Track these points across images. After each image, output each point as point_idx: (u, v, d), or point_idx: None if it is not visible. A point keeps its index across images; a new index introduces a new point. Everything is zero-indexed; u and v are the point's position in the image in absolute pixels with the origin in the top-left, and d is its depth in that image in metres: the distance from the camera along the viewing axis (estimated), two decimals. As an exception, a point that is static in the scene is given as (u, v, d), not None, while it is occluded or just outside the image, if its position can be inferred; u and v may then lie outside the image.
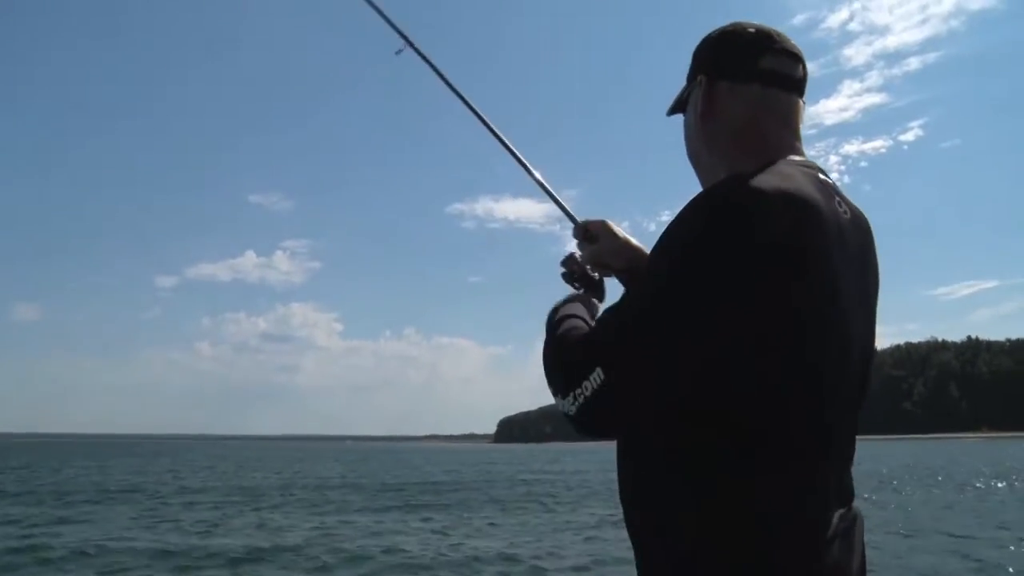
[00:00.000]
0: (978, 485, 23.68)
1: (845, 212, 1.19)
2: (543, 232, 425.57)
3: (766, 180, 1.09)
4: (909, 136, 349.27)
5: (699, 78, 1.30)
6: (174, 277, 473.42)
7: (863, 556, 1.21)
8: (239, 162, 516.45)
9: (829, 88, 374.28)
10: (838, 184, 1.24)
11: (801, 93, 1.29)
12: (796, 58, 1.27)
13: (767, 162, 1.17)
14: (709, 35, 1.33)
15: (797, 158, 1.23)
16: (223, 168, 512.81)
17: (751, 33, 1.27)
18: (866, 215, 1.28)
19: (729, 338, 1.06)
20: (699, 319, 1.06)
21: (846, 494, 1.19)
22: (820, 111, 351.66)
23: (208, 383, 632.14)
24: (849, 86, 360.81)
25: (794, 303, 1.06)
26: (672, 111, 1.39)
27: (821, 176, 1.20)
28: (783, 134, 1.26)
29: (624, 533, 1.24)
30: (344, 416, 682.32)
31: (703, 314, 1.05)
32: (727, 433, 1.08)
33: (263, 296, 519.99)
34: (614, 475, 1.23)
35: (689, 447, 1.11)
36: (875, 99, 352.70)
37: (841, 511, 1.15)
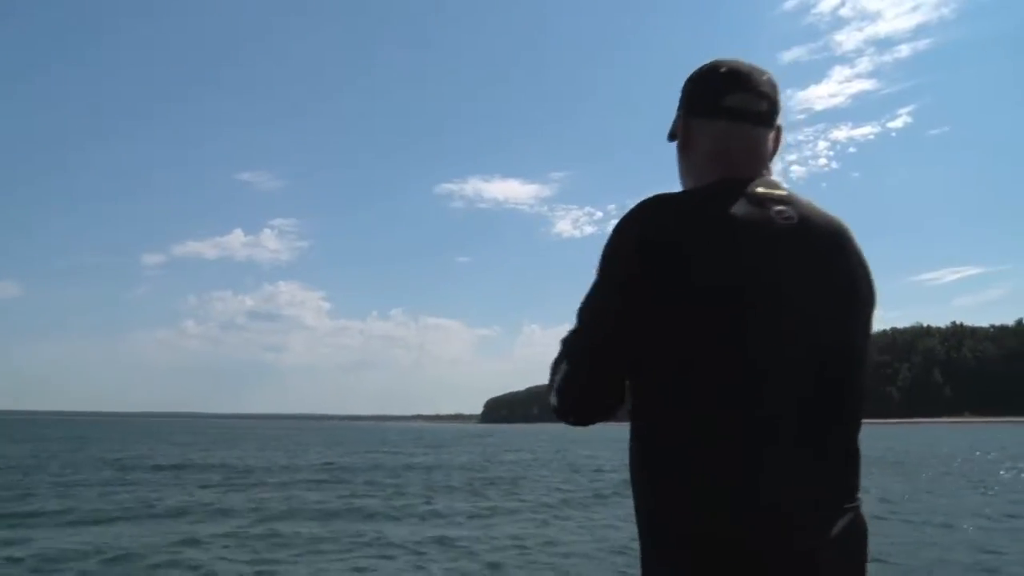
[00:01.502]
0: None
1: (790, 219, 1.33)
2: (532, 213, 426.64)
3: (668, 196, 1.36)
4: (898, 123, 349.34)
5: (679, 113, 1.50)
6: (160, 255, 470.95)
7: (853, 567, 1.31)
8: (228, 139, 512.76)
9: (819, 73, 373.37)
10: (792, 193, 1.39)
11: (769, 124, 1.44)
12: (760, 94, 1.43)
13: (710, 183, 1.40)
14: (691, 74, 1.50)
15: (756, 179, 1.39)
16: (212, 145, 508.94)
17: (721, 73, 1.44)
18: (835, 220, 1.40)
19: (624, 325, 1.29)
20: (604, 309, 1.33)
21: (821, 490, 1.28)
22: (810, 96, 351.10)
23: (194, 361, 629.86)
24: (839, 72, 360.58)
25: (664, 296, 1.25)
26: (670, 138, 1.55)
27: (760, 190, 1.35)
28: (749, 162, 1.41)
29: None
30: (331, 395, 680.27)
31: (607, 304, 1.32)
32: (644, 416, 1.31)
33: (250, 274, 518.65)
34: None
35: (636, 425, 1.34)
36: (865, 85, 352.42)
37: (803, 503, 1.25)
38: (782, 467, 1.25)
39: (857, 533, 1.32)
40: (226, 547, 9.75)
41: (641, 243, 1.27)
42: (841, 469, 1.33)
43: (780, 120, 1.47)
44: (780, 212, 1.33)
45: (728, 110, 1.41)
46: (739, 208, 1.31)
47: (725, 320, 1.25)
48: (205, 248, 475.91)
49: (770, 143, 1.45)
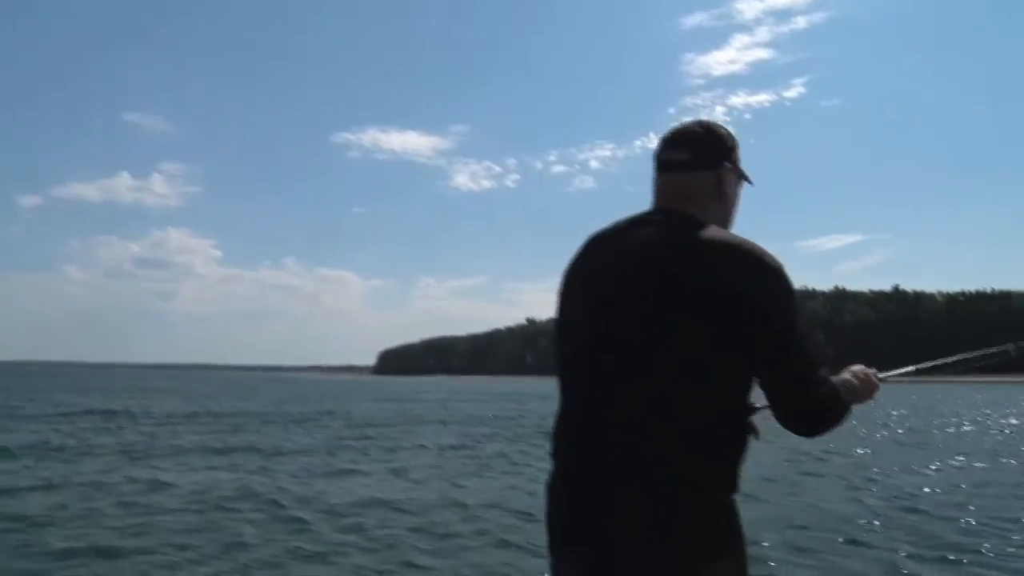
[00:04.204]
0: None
1: (649, 233, 1.65)
2: (431, 166, 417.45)
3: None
4: (792, 93, 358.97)
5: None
6: (38, 196, 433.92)
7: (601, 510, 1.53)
8: (115, 77, 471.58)
9: (720, 40, 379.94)
10: (677, 220, 1.67)
11: (696, 168, 1.75)
12: (684, 147, 1.76)
13: None
14: None
15: (666, 211, 1.73)
16: (97, 81, 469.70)
17: (664, 136, 1.81)
18: (674, 236, 1.63)
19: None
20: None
21: (602, 455, 1.56)
22: (710, 61, 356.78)
23: (78, 308, 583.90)
24: (739, 39, 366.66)
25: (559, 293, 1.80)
26: None
27: (644, 217, 1.73)
28: (670, 200, 1.74)
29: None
30: (224, 345, 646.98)
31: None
32: None
33: (137, 219, 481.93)
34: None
35: None
36: (762, 54, 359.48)
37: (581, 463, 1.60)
38: (583, 426, 1.62)
39: (658, 511, 1.48)
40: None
41: None
42: (644, 441, 1.52)
43: (728, 163, 1.76)
44: (640, 226, 1.69)
45: (660, 163, 1.78)
46: (612, 227, 1.74)
47: (560, 307, 1.77)
48: (88, 190, 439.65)
49: (702, 184, 1.73)
